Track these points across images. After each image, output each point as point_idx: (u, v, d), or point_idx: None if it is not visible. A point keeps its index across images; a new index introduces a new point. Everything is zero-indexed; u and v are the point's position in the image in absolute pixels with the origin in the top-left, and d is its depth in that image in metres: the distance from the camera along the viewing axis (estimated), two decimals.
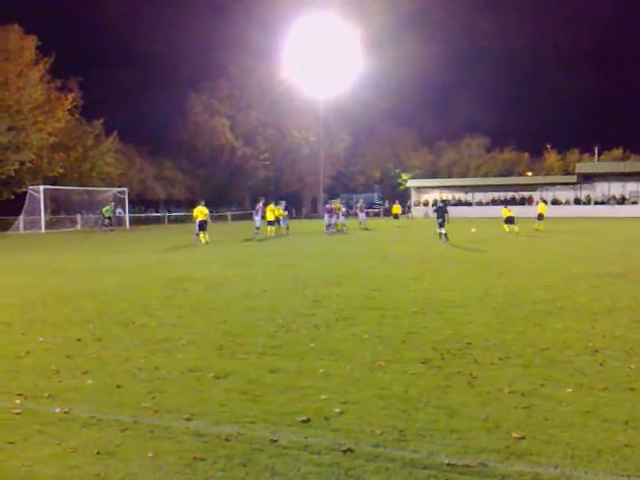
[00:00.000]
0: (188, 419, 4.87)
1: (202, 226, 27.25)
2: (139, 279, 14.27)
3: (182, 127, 74.21)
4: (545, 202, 46.17)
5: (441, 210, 26.66)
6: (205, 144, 73.44)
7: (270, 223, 32.58)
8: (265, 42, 75.15)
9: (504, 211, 32.69)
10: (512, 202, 62.90)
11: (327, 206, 37.02)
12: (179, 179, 72.03)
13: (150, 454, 4.20)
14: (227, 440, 4.44)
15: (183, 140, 74.10)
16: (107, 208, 44.45)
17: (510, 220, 31.70)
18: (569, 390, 5.42)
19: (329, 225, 34.99)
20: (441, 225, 25.96)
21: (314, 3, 67.19)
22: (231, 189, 75.32)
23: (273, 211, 32.89)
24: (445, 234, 25.63)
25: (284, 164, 77.46)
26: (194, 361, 6.60)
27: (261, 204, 32.61)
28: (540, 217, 35.10)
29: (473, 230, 32.63)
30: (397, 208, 44.23)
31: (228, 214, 66.91)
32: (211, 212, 35.96)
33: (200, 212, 27.66)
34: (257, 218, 32.50)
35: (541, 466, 3.95)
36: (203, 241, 27.06)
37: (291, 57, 67.20)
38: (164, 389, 5.65)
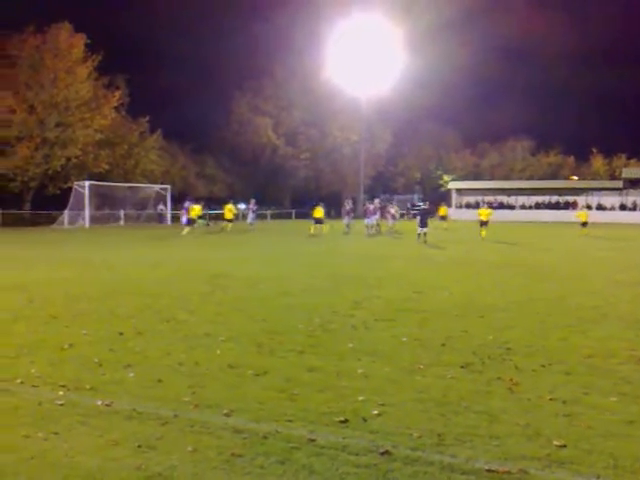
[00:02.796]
0: (227, 415, 4.91)
1: (230, 221, 35.40)
2: (180, 275, 14.44)
3: (225, 126, 74.77)
4: (589, 208, 45.39)
5: (424, 212, 28.83)
6: (247, 143, 73.88)
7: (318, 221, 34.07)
8: (308, 42, 75.21)
9: (579, 214, 35.25)
10: (556, 206, 61.89)
11: (369, 206, 36.54)
12: (220, 177, 72.62)
13: (190, 448, 4.25)
14: (265, 437, 4.46)
15: (226, 139, 74.64)
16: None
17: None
18: (613, 399, 5.31)
19: (370, 226, 34.69)
20: (423, 226, 27.30)
21: (356, 3, 67.14)
22: (272, 188, 75.55)
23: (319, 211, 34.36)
24: (424, 234, 27.13)
25: (325, 164, 77.38)
26: (233, 357, 6.65)
27: (350, 204, 36.50)
28: (584, 224, 34.91)
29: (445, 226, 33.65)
30: (444, 210, 43.58)
31: (268, 213, 67.23)
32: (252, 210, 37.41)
33: (229, 210, 35.78)
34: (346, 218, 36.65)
35: (583, 475, 3.88)
36: (228, 229, 33.59)
37: (334, 57, 67.12)
38: (204, 384, 5.71)
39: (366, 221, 35.12)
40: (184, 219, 36.37)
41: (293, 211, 70.83)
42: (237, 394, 5.45)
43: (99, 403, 5.18)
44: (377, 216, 35.91)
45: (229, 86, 75.05)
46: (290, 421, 4.80)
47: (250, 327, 8.33)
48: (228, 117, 74.85)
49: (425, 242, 26.56)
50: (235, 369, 6.23)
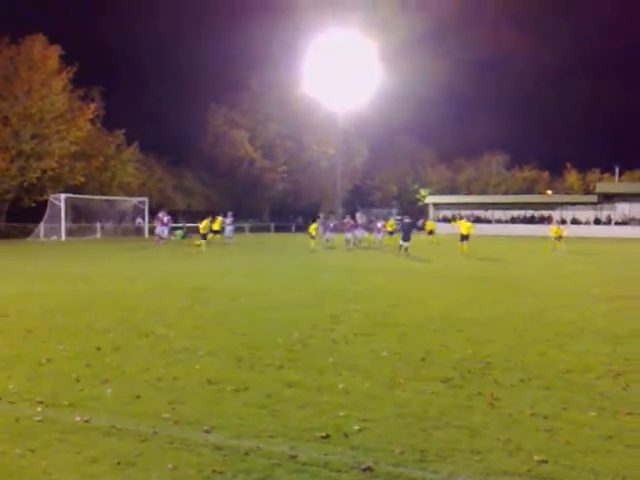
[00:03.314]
0: (207, 431, 4.86)
1: (216, 232, 34.19)
2: (158, 289, 14.34)
3: (202, 138, 74.68)
4: (563, 222, 45.91)
5: (408, 226, 29.81)
6: (224, 155, 73.79)
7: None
8: (285, 56, 75.54)
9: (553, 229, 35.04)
10: (531, 220, 62.51)
11: (347, 221, 36.76)
12: (198, 190, 72.41)
13: (170, 466, 4.20)
14: (246, 454, 4.42)
15: (203, 151, 74.52)
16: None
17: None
18: (592, 414, 5.35)
19: (348, 240, 34.71)
20: (405, 240, 28.25)
21: (334, 18, 67.47)
22: (250, 201, 75.46)
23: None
24: (406, 248, 27.96)
25: (302, 177, 77.53)
26: (213, 373, 6.60)
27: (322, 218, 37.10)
28: (558, 238, 35.05)
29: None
30: (431, 224, 44.52)
31: (246, 226, 67.12)
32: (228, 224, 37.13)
33: (218, 223, 36.31)
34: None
35: None
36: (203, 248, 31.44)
37: (311, 71, 67.43)
38: (183, 400, 5.65)
39: (346, 235, 35.18)
40: (159, 229, 36.65)
41: (272, 224, 70.73)
42: (217, 410, 5.40)
43: (77, 419, 5.10)
44: (360, 230, 36.18)
45: (206, 99, 74.95)
46: (271, 437, 4.76)
47: (230, 341, 8.27)
48: (205, 130, 74.78)
49: (407, 255, 27.15)
50: (215, 384, 6.18)
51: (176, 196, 68.52)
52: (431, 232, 43.00)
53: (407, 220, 31.68)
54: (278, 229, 69.63)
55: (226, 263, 23.53)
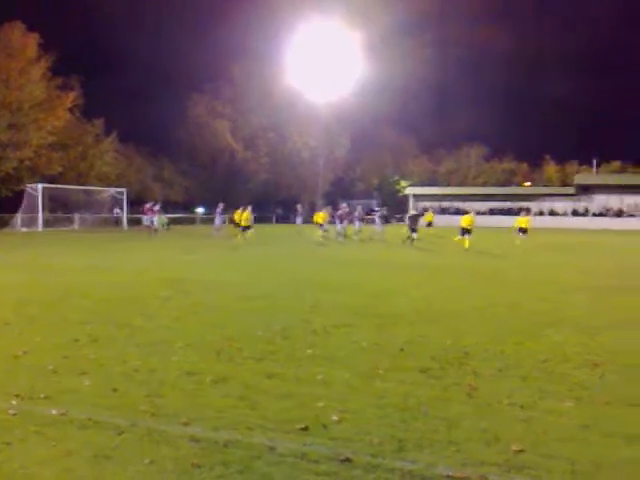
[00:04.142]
0: (185, 424, 4.83)
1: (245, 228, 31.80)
2: (136, 280, 14.23)
3: (183, 128, 74.18)
4: (541, 214, 46.05)
5: (415, 218, 30.87)
6: (205, 146, 73.45)
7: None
8: (267, 46, 75.41)
9: (521, 220, 32.12)
10: (510, 212, 62.95)
11: (338, 212, 35.76)
12: (178, 181, 72.01)
13: (147, 459, 4.16)
14: (225, 446, 4.40)
15: (183, 142, 74.08)
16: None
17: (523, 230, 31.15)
18: (569, 404, 5.39)
19: (339, 233, 34.15)
20: (413, 231, 29.45)
21: (316, 8, 67.38)
22: (231, 192, 75.19)
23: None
24: (413, 239, 29.10)
25: (284, 168, 77.39)
26: (191, 364, 6.56)
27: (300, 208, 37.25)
28: (523, 231, 31.76)
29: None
30: (430, 216, 44.44)
31: (226, 216, 66.84)
32: (208, 215, 36.70)
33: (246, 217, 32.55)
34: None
35: None
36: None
37: (293, 62, 67.26)
38: (161, 393, 5.61)
39: (338, 226, 34.80)
40: (147, 219, 36.13)
41: (253, 215, 70.41)
42: (195, 402, 5.37)
43: (54, 412, 5.04)
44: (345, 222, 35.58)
45: (186, 89, 74.53)
46: (250, 429, 4.74)
47: (209, 333, 8.22)
48: (185, 120, 74.29)
49: (411, 246, 28.31)
50: (193, 376, 6.14)
51: (155, 186, 68.11)
52: (430, 224, 42.90)
53: (414, 212, 32.36)
54: (259, 220, 69.29)
55: (205, 254, 23.42)
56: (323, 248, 27.47)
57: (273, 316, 9.54)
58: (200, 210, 72.65)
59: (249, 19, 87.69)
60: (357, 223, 35.26)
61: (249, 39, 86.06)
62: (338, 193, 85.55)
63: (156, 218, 37.12)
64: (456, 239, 28.30)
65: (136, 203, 54.92)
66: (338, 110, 74.11)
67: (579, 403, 5.42)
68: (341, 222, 34.61)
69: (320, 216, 33.22)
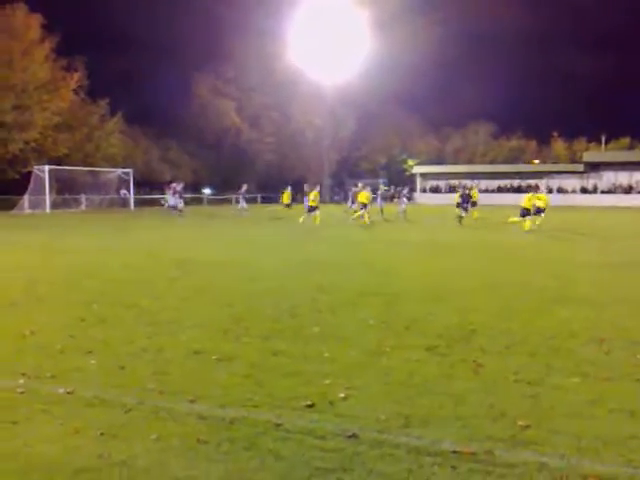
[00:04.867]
0: (192, 401, 4.85)
1: (312, 209, 29.42)
2: (144, 261, 14.27)
3: (188, 109, 73.91)
4: (550, 191, 45.29)
5: (467, 197, 30.61)
6: (211, 126, 73.22)
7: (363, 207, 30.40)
8: (270, 24, 74.33)
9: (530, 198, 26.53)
10: (518, 190, 62.56)
11: (354, 189, 34.77)
12: (184, 161, 71.89)
13: (154, 436, 4.17)
14: (231, 423, 4.41)
15: (189, 122, 73.79)
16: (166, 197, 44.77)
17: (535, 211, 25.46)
18: (575, 379, 5.38)
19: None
20: (465, 209, 29.51)
21: None
22: (236, 172, 75.10)
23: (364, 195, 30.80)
24: (462, 217, 28.91)
25: (289, 148, 77.14)
26: (198, 343, 6.58)
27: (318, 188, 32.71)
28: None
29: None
30: (475, 194, 36.51)
31: (233, 197, 66.91)
32: (215, 195, 36.66)
33: (287, 196, 33.34)
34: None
35: (547, 455, 3.91)
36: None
37: (296, 40, 66.75)
38: (168, 371, 5.63)
39: (352, 206, 34.35)
40: (171, 201, 36.16)
41: (258, 195, 70.37)
42: (202, 380, 5.39)
43: (60, 391, 5.07)
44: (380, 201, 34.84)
45: (190, 68, 73.92)
46: (256, 406, 4.75)
47: (216, 313, 8.25)
48: (189, 100, 73.99)
49: (460, 224, 28.25)
50: (200, 355, 6.16)
51: (162, 167, 68.05)
52: (474, 204, 35.82)
53: (465, 192, 31.58)
54: (265, 200, 69.27)
55: (213, 234, 23.44)
56: (329, 228, 27.41)
57: (280, 296, 9.56)
58: (207, 191, 72.60)
59: None
60: (379, 202, 34.76)
61: (251, 16, 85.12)
62: (344, 173, 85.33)
63: (179, 200, 36.64)
64: (513, 220, 25.84)
65: (142, 184, 54.97)
66: (343, 89, 73.61)
67: (586, 379, 5.41)
68: (353, 202, 33.86)
69: (364, 195, 30.31)
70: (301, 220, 29.07)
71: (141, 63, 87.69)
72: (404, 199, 36.00)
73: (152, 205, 54.33)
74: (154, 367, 5.73)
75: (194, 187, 71.84)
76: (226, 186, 72.53)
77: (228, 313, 8.21)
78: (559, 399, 4.91)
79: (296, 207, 35.37)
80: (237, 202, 39.39)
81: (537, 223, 25.44)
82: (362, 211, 29.75)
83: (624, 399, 4.91)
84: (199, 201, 63.46)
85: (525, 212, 24.86)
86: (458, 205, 29.80)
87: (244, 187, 38.17)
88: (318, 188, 31.29)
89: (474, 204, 34.10)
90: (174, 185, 36.95)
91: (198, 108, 73.48)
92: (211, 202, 65.29)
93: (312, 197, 30.03)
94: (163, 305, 8.79)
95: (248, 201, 39.81)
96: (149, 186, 66.75)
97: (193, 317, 7.93)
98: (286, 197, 34.69)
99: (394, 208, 36.12)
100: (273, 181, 75.98)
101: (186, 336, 6.94)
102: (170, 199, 36.50)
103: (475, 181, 58.44)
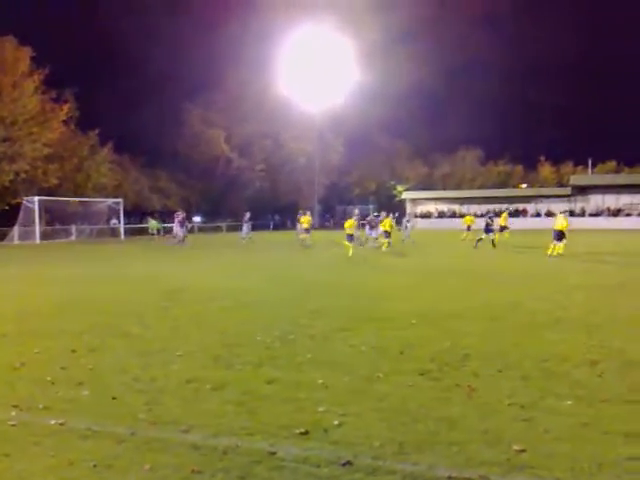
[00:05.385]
0: (185, 431, 4.82)
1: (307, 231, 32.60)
2: (134, 290, 14.20)
3: (178, 139, 74.12)
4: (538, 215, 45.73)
5: (490, 219, 31.01)
6: (201, 155, 73.46)
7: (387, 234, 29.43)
8: (260, 54, 75.33)
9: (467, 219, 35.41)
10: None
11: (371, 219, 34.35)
12: (174, 190, 71.96)
13: (147, 467, 4.14)
14: (225, 453, 4.39)
15: (179, 152, 74.06)
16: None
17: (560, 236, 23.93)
18: (569, 402, 5.39)
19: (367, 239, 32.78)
20: (489, 232, 29.90)
21: (308, 16, 67.58)
22: (227, 200, 75.24)
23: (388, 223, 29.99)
24: (482, 239, 29.43)
25: (280, 175, 77.48)
26: (191, 372, 6.54)
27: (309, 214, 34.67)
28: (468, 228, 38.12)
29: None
30: (504, 218, 37.09)
31: (223, 225, 66.91)
32: (205, 223, 36.76)
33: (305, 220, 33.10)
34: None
35: (542, 479, 3.92)
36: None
37: (287, 69, 67.49)
38: (161, 401, 5.60)
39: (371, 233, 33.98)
40: (180, 231, 36.56)
41: (251, 223, 70.29)
42: (195, 409, 5.36)
43: (53, 422, 5.03)
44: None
45: (180, 99, 74.19)
46: (250, 435, 4.73)
47: (208, 340, 8.21)
48: (180, 130, 74.27)
49: (493, 246, 28.84)
50: (192, 384, 6.13)
51: (153, 197, 68.07)
52: (504, 228, 36.18)
53: (490, 215, 32.22)
54: (256, 228, 69.22)
55: (206, 262, 23.39)
56: (320, 254, 27.43)
57: (272, 322, 9.53)
58: (197, 219, 72.67)
59: (241, 28, 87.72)
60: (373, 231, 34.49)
61: (241, 48, 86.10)
62: (334, 198, 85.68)
63: (180, 228, 36.96)
64: (555, 248, 23.52)
65: (133, 213, 54.92)
66: (333, 116, 74.38)
67: (579, 401, 5.42)
68: (371, 229, 33.08)
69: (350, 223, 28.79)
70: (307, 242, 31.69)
71: (131, 93, 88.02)
72: (408, 225, 35.99)
73: (142, 234, 54.23)
74: (146, 397, 5.69)
75: (186, 216, 71.79)
76: (215, 214, 72.64)
77: (219, 341, 8.18)
78: (553, 422, 4.91)
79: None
80: (241, 230, 39.47)
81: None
82: (386, 239, 28.82)
83: (618, 421, 4.92)
84: (190, 230, 63.33)
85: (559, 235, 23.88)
86: (485, 230, 30.41)
87: (247, 214, 38.39)
88: (309, 213, 33.44)
89: (504, 228, 35.13)
90: (179, 215, 37.05)
91: (188, 138, 73.78)
92: (202, 230, 65.25)
93: (304, 221, 32.01)
94: (154, 334, 8.74)
95: (239, 228, 39.89)
96: (139, 215, 66.75)
97: (184, 345, 7.89)
98: (305, 222, 33.64)
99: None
100: (264, 207, 76.10)
101: (178, 365, 6.90)
102: (178, 230, 36.68)
103: (505, 206, 58.63)
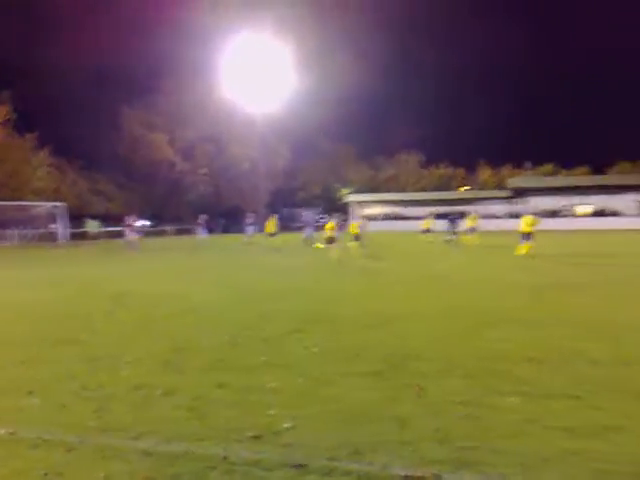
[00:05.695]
0: (136, 438, 4.78)
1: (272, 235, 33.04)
2: (80, 295, 13.90)
3: (118, 142, 72.85)
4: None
5: (454, 220, 32.58)
6: (143, 159, 72.37)
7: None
8: (201, 58, 74.50)
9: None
10: (447, 217, 64.02)
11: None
12: (116, 194, 70.76)
13: (99, 475, 4.11)
14: (177, 458, 4.39)
15: (119, 155, 72.80)
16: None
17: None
18: (513, 399, 5.56)
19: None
20: (453, 233, 31.60)
21: (249, 20, 67.33)
22: (171, 204, 74.31)
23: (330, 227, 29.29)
24: (451, 241, 31.32)
25: (224, 179, 76.98)
26: (140, 378, 6.48)
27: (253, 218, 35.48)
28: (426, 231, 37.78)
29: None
30: (474, 219, 38.10)
31: (168, 229, 66.09)
32: (150, 227, 36.20)
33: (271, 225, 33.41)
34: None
35: (490, 475, 4.04)
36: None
37: (229, 73, 67.06)
38: (110, 408, 5.53)
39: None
40: (130, 236, 35.85)
41: (194, 227, 69.61)
42: (145, 416, 5.32)
43: (3, 432, 4.93)
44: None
45: (121, 102, 72.88)
46: (201, 440, 4.73)
47: (156, 346, 8.13)
48: (120, 133, 73.04)
49: (452, 244, 30.59)
50: (142, 390, 6.07)
51: (93, 200, 66.76)
52: (473, 230, 36.37)
53: (452, 217, 33.51)
54: (196, 232, 68.49)
55: (147, 267, 23.06)
56: (272, 257, 27.39)
57: (222, 326, 9.48)
58: (139, 223, 71.58)
59: (181, 31, 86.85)
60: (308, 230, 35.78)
61: (182, 51, 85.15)
62: (280, 202, 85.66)
63: (134, 233, 36.33)
64: (521, 248, 24.06)
65: (74, 217, 53.70)
66: (276, 120, 74.18)
67: (522, 398, 5.60)
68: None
69: (330, 226, 27.81)
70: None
71: (70, 96, 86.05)
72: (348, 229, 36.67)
73: (85, 238, 53.10)
74: (96, 404, 5.62)
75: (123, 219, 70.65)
76: (159, 218, 71.66)
77: (168, 345, 8.11)
78: (498, 419, 5.07)
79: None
80: (196, 233, 39.11)
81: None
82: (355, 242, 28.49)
83: (560, 416, 5.11)
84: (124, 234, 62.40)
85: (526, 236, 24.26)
86: (448, 231, 32.18)
87: (203, 217, 37.56)
88: (276, 217, 34.34)
89: (473, 230, 35.50)
90: (129, 220, 36.47)
91: (128, 141, 72.62)
92: (147, 234, 64.28)
93: (270, 225, 32.73)
94: (101, 340, 8.60)
95: (184, 232, 39.47)
96: (80, 219, 65.29)
97: (133, 351, 7.80)
98: (271, 226, 33.91)
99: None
100: (208, 212, 75.43)
101: (127, 371, 6.82)
102: (131, 234, 36.08)
103: (473, 210, 59.34)
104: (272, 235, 33.54)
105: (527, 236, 23.86)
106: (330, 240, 26.54)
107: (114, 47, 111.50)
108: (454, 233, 31.49)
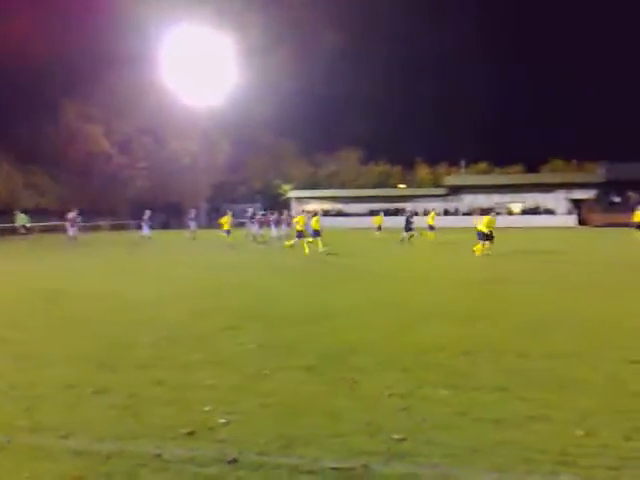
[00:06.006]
0: (66, 437, 4.69)
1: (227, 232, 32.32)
2: (9, 291, 13.50)
3: (54, 134, 70.86)
4: (416, 214, 47.93)
5: (409, 220, 32.86)
6: (78, 152, 70.53)
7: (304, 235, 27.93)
8: (140, 48, 73.06)
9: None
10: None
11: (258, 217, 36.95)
12: (49, 188, 68.78)
13: (26, 475, 4.02)
14: (108, 457, 4.32)
15: (55, 147, 70.76)
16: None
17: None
18: (445, 392, 5.69)
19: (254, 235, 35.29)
20: (409, 230, 32.08)
21: (191, 11, 66.47)
22: (107, 198, 72.67)
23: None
24: (408, 238, 31.82)
25: (163, 173, 75.73)
26: (71, 376, 6.34)
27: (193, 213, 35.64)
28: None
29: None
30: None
31: (102, 223, 64.71)
32: (84, 222, 35.37)
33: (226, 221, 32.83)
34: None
35: (421, 466, 4.13)
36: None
37: (168, 65, 66.14)
38: (40, 407, 5.40)
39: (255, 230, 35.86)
40: (71, 231, 35.16)
41: (132, 222, 68.38)
42: (76, 415, 5.22)
43: None
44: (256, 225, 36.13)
45: (56, 94, 70.77)
46: (135, 438, 4.67)
47: (89, 344, 7.96)
48: (56, 126, 71.03)
49: (407, 243, 31.16)
50: (74, 388, 5.94)
51: (25, 194, 64.76)
52: (431, 228, 36.65)
53: (408, 215, 33.76)
54: (138, 227, 67.43)
55: (86, 262, 22.55)
56: (211, 253, 27.15)
57: (157, 323, 9.37)
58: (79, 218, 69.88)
59: (120, 21, 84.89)
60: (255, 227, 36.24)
61: (120, 40, 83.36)
62: (220, 198, 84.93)
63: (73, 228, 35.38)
64: (478, 247, 23.66)
65: (6, 212, 51.95)
66: (217, 115, 73.56)
67: (454, 390, 5.73)
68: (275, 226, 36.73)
69: (300, 219, 28.62)
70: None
71: (3, 89, 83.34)
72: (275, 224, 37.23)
73: (14, 234, 51.43)
74: (25, 403, 5.48)
75: (62, 214, 68.86)
76: (94, 212, 70.05)
77: (102, 344, 7.95)
78: (431, 411, 5.18)
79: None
80: (140, 228, 38.01)
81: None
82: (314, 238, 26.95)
83: (489, 408, 5.25)
84: (64, 229, 60.88)
85: (485, 236, 24.00)
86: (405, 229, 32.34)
87: (147, 213, 36.55)
88: (230, 213, 33.66)
89: (432, 227, 36.32)
90: (71, 215, 35.46)
91: (65, 133, 70.70)
92: (81, 229, 62.72)
93: (224, 222, 32.55)
94: (30, 337, 8.38)
95: (121, 227, 38.62)
96: (9, 214, 63.27)
97: (64, 349, 7.63)
98: (225, 222, 33.28)
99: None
100: (146, 207, 74.18)
101: (58, 369, 6.67)
102: (69, 230, 35.10)
103: (432, 207, 59.60)
104: (227, 232, 33.02)
105: (486, 236, 23.94)
106: (299, 234, 27.32)
107: (52, 37, 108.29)
108: (410, 230, 32.09)
